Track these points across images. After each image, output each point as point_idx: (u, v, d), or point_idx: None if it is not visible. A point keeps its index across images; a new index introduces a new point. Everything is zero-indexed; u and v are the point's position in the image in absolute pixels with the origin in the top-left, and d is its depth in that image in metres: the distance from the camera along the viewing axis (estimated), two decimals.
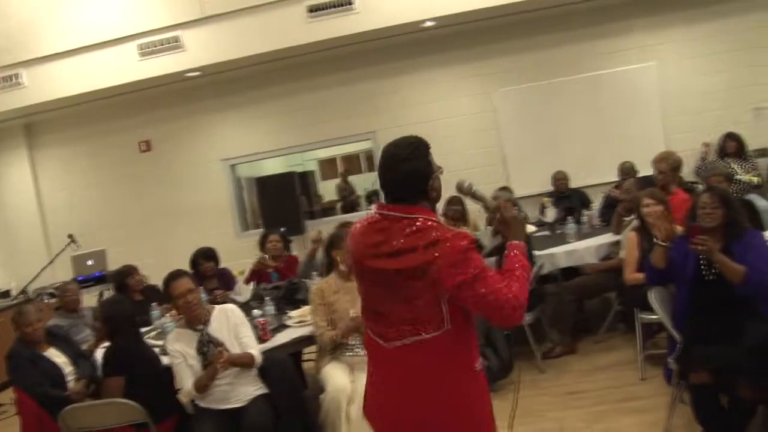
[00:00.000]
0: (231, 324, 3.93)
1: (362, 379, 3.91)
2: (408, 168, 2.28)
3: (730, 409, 3.55)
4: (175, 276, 3.96)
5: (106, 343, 4.96)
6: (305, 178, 10.14)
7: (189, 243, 6.75)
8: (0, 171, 9.58)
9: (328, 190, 12.66)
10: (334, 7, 7.53)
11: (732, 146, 7.52)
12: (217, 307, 4.09)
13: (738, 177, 7.01)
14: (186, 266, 6.21)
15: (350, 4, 7.51)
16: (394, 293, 2.29)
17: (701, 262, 3.73)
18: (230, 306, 4.14)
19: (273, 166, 10.12)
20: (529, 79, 8.53)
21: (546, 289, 5.66)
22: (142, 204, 9.12)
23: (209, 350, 3.80)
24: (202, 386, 3.76)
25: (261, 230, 7.42)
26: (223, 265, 6.29)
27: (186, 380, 3.79)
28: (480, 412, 2.38)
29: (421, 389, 2.33)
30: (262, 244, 6.38)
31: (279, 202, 8.44)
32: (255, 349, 3.88)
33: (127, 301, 4.46)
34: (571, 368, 5.29)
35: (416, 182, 2.29)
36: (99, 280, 7.40)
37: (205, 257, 6.08)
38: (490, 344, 5.06)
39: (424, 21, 7.73)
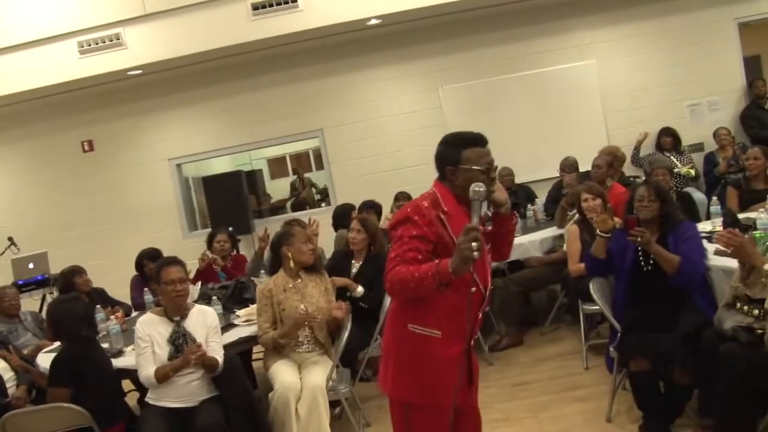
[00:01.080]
0: (207, 326, 3.90)
1: (310, 376, 3.96)
2: (438, 149, 2.75)
3: (667, 393, 3.68)
4: (171, 262, 3.92)
5: (49, 347, 4.89)
6: (253, 176, 10.03)
7: (135, 244, 6.66)
8: None
9: (277, 188, 12.54)
10: (278, 5, 7.50)
11: (668, 142, 7.83)
12: (198, 306, 4.07)
13: (677, 170, 7.25)
14: (132, 268, 6.18)
15: (294, 2, 7.49)
16: None
17: (639, 253, 3.86)
18: (210, 309, 4.12)
19: (221, 166, 9.99)
20: (474, 76, 8.62)
21: (493, 282, 5.74)
22: (85, 205, 8.90)
23: (184, 343, 3.76)
24: (164, 375, 3.71)
25: (209, 230, 7.33)
26: None
27: (147, 367, 3.74)
28: (410, 370, 2.65)
29: (385, 337, 2.83)
30: (210, 243, 6.32)
31: (226, 201, 8.34)
32: (220, 357, 3.85)
33: (80, 300, 4.34)
34: (518, 360, 5.39)
35: (438, 162, 2.73)
36: (41, 283, 7.20)
37: (150, 258, 5.96)
38: None
39: (369, 19, 7.75)
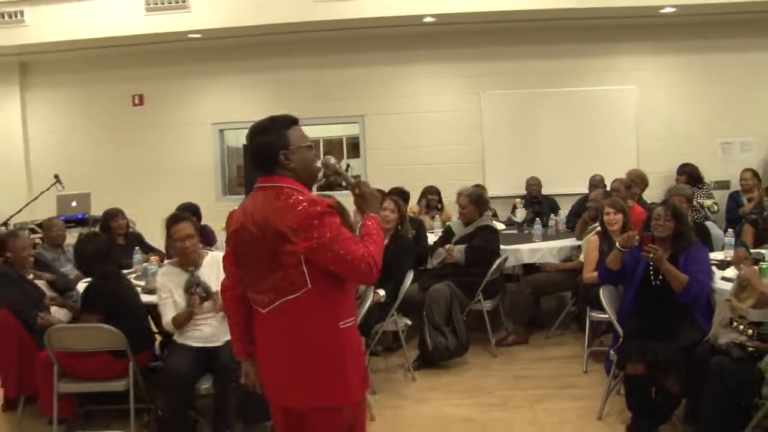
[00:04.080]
0: (220, 272, 4.19)
1: None
2: (260, 140, 2.50)
3: (658, 399, 3.94)
4: (177, 220, 4.24)
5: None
6: None
7: (170, 199, 6.95)
8: None
9: None
10: None
11: (680, 179, 7.88)
12: (211, 253, 4.37)
13: (699, 201, 7.42)
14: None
15: None
16: (260, 259, 2.44)
17: (650, 268, 4.13)
18: (221, 255, 4.41)
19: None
20: (516, 85, 8.90)
21: (506, 285, 6.08)
22: (130, 155, 9.28)
23: (195, 291, 4.07)
24: (180, 323, 4.05)
25: (241, 196, 7.66)
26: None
27: (168, 315, 4.07)
28: (345, 366, 2.49)
29: (290, 347, 2.48)
30: None
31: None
32: None
33: (102, 239, 4.66)
34: (521, 356, 5.66)
35: (267, 153, 2.47)
36: (80, 222, 7.57)
37: (190, 212, 6.30)
38: (449, 325, 5.39)
39: (425, 16, 8.07)
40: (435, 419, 4.46)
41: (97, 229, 6.44)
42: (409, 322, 5.43)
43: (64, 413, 4.23)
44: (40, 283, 4.94)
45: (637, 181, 6.98)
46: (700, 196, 7.62)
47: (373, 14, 7.92)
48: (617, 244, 4.36)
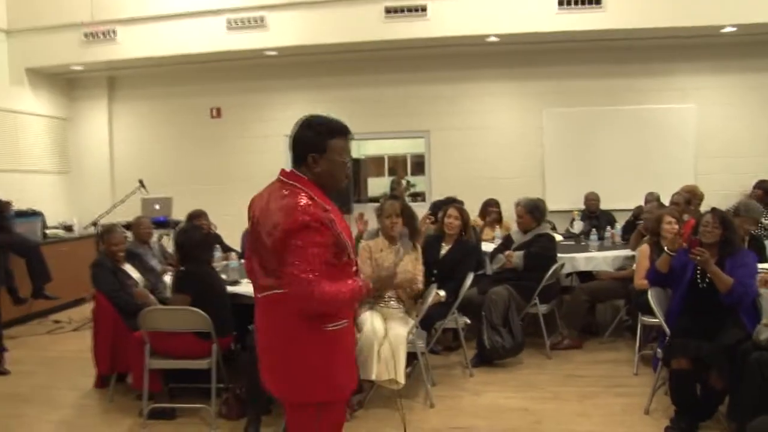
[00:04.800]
0: None
1: (393, 326, 4.65)
2: (302, 133, 2.59)
3: (701, 395, 4.18)
4: None
5: (170, 271, 5.79)
6: (357, 165, 10.86)
7: (245, 206, 7.44)
8: (81, 116, 10.48)
9: (371, 186, 13.27)
10: (409, 11, 8.27)
11: (758, 194, 7.93)
12: None
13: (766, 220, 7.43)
14: (240, 227, 6.97)
15: (424, 10, 8.24)
16: (259, 249, 2.57)
17: (697, 271, 4.38)
18: None
19: None
20: (577, 103, 9.19)
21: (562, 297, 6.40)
22: (207, 164, 9.93)
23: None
24: None
25: None
26: None
27: None
28: (329, 366, 2.56)
29: (272, 339, 2.61)
30: None
31: None
32: None
33: (202, 230, 5.17)
34: (574, 359, 5.92)
35: (300, 148, 2.58)
36: (162, 224, 8.15)
37: None
38: (506, 325, 5.70)
39: (488, 36, 8.44)
40: (490, 408, 4.78)
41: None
42: (468, 321, 5.76)
43: (153, 387, 4.70)
44: (133, 275, 5.49)
45: (697, 196, 7.17)
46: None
47: (440, 34, 8.33)
48: (665, 248, 4.63)
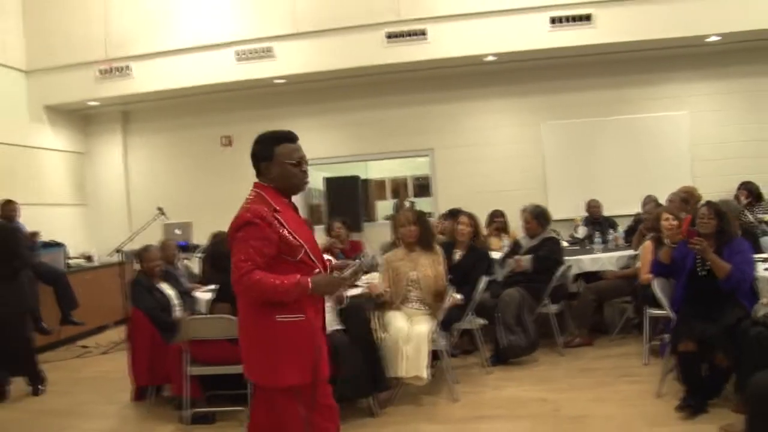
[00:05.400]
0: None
1: (417, 326, 4.97)
2: (253, 148, 3.04)
3: (708, 374, 4.49)
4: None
5: (197, 289, 6.11)
6: (365, 186, 11.25)
7: None
8: (97, 150, 10.91)
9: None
10: (410, 35, 8.69)
11: (741, 194, 8.24)
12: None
13: (759, 216, 7.72)
14: None
15: (424, 34, 8.65)
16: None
17: (697, 260, 4.72)
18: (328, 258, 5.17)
19: (332, 173, 11.23)
20: (574, 115, 9.60)
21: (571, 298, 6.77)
22: (219, 191, 10.20)
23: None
24: None
25: (322, 225, 8.50)
26: None
27: None
28: (278, 353, 2.85)
29: (241, 326, 3.02)
30: (329, 230, 7.46)
31: (343, 200, 9.55)
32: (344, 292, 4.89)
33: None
34: (586, 355, 6.23)
35: (254, 160, 3.01)
36: (183, 248, 8.48)
37: None
38: (520, 325, 6.02)
39: (486, 55, 8.87)
40: (511, 400, 5.09)
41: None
42: (484, 322, 6.07)
43: (193, 394, 4.98)
44: (169, 293, 5.83)
45: (695, 197, 7.50)
46: (759, 212, 8.01)
47: (440, 56, 8.76)
48: (666, 240, 4.97)
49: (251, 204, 2.87)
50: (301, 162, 2.96)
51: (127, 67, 9.47)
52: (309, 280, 2.79)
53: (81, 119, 10.82)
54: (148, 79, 9.50)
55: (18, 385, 6.29)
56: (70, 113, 10.49)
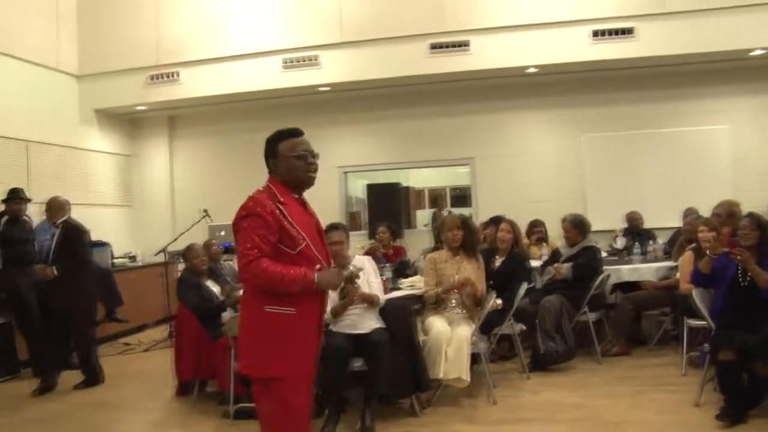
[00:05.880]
0: (366, 270, 5.06)
1: (458, 328, 5.07)
2: (264, 148, 3.15)
3: (748, 384, 4.52)
4: (334, 227, 5.16)
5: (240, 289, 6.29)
6: (406, 193, 11.40)
7: None
8: (144, 153, 11.22)
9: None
10: (453, 46, 8.83)
11: None
12: (357, 257, 5.28)
13: None
14: None
15: (467, 45, 8.79)
16: None
17: (738, 270, 4.76)
18: (365, 258, 5.31)
19: (374, 180, 11.40)
20: (614, 128, 9.64)
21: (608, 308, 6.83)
22: None
23: (345, 288, 4.93)
24: (338, 312, 4.90)
25: (363, 231, 8.65)
26: None
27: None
28: (268, 344, 2.90)
29: (240, 319, 3.11)
30: (373, 235, 7.61)
31: (385, 206, 9.69)
32: (380, 293, 5.02)
33: None
34: (624, 364, 6.26)
35: (265, 159, 3.13)
36: (227, 249, 8.69)
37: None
38: (559, 332, 6.09)
39: (528, 67, 8.97)
40: (549, 404, 5.17)
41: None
42: (524, 327, 6.14)
43: (238, 390, 5.15)
44: (214, 290, 6.01)
45: (736, 212, 7.49)
46: None
47: (482, 67, 8.88)
48: (707, 251, 5.02)
49: (256, 194, 2.97)
50: (305, 155, 3.04)
51: (176, 73, 9.75)
52: (315, 274, 2.87)
53: (129, 123, 11.15)
54: (195, 84, 9.76)
55: (66, 378, 6.56)
56: (119, 117, 10.82)
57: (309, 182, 3.08)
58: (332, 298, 4.93)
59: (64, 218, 6.75)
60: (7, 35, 8.83)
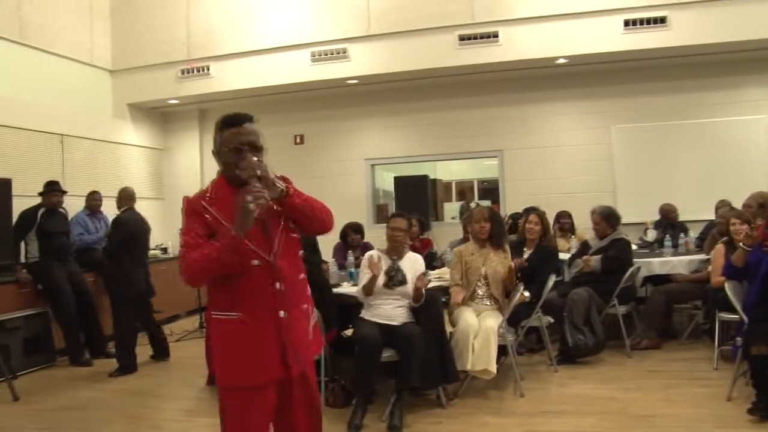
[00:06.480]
0: (415, 269, 5.10)
1: (485, 320, 5.07)
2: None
3: None
4: (397, 215, 5.25)
5: None
6: (434, 186, 11.39)
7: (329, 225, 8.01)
8: (175, 146, 11.38)
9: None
10: (482, 38, 8.79)
11: None
12: (411, 252, 5.29)
13: None
14: (327, 242, 7.46)
15: (496, 36, 8.74)
16: None
17: None
18: (420, 257, 5.31)
19: (401, 173, 11.39)
20: (645, 119, 9.51)
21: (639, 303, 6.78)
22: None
23: (396, 276, 4.99)
24: (368, 289, 4.96)
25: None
26: None
27: (362, 282, 5.03)
28: (214, 351, 2.73)
29: None
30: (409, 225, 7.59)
31: (412, 199, 9.67)
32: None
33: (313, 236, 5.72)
34: (654, 357, 6.20)
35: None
36: None
37: (353, 230, 7.36)
38: (587, 325, 6.05)
39: (558, 58, 8.89)
40: (577, 397, 5.14)
41: None
42: (552, 320, 6.12)
43: None
44: None
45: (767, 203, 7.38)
46: None
47: (511, 58, 8.83)
48: (741, 243, 4.95)
49: (200, 192, 2.72)
50: (239, 148, 2.59)
51: (207, 67, 9.86)
52: (230, 229, 2.41)
53: (160, 117, 11.31)
54: (225, 78, 9.87)
55: (101, 365, 6.72)
56: (151, 111, 10.97)
57: (243, 179, 2.48)
58: (377, 283, 4.99)
59: (126, 208, 7.19)
60: (43, 32, 9.02)
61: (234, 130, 2.62)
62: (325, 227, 2.74)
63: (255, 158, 2.53)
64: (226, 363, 2.66)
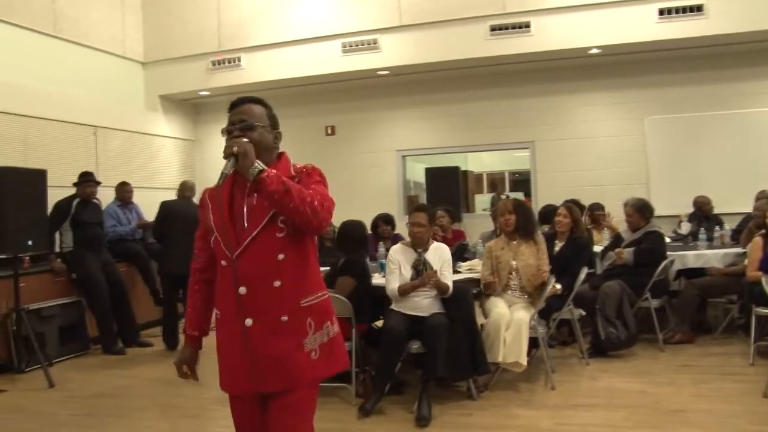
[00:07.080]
0: (442, 258, 5.08)
1: (517, 312, 5.04)
2: None
3: None
4: (419, 209, 5.24)
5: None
6: (465, 177, 11.35)
7: (361, 216, 7.96)
8: (205, 138, 11.44)
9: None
10: (514, 28, 8.72)
11: None
12: (437, 243, 5.25)
13: None
14: None
15: (528, 27, 8.66)
16: None
17: None
18: (446, 246, 5.26)
19: (432, 164, 11.36)
20: (680, 110, 9.33)
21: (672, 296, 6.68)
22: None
23: (423, 269, 4.97)
24: (405, 291, 4.94)
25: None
26: None
27: (393, 282, 4.99)
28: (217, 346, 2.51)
29: None
30: (431, 219, 7.56)
31: (443, 190, 9.64)
32: (450, 282, 5.00)
33: (362, 227, 5.71)
34: (687, 352, 6.12)
35: None
36: None
37: (384, 221, 7.37)
38: (620, 318, 5.98)
39: (590, 48, 8.76)
40: (609, 390, 5.09)
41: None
42: (583, 313, 6.06)
43: None
44: None
45: None
46: None
47: (542, 48, 8.74)
48: None
49: None
50: (230, 129, 2.49)
51: (237, 59, 9.91)
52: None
53: (192, 108, 11.40)
54: (256, 69, 9.91)
55: (134, 354, 6.84)
56: (182, 102, 11.07)
57: (226, 158, 2.35)
58: (405, 277, 4.98)
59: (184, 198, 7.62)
60: (77, 25, 9.17)
61: (230, 112, 2.54)
62: (310, 225, 2.31)
63: (243, 139, 2.36)
64: (219, 363, 2.50)
